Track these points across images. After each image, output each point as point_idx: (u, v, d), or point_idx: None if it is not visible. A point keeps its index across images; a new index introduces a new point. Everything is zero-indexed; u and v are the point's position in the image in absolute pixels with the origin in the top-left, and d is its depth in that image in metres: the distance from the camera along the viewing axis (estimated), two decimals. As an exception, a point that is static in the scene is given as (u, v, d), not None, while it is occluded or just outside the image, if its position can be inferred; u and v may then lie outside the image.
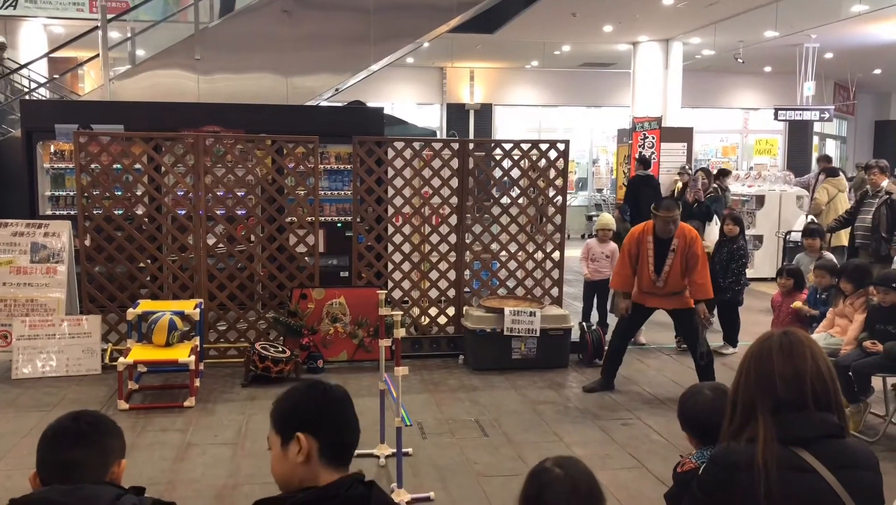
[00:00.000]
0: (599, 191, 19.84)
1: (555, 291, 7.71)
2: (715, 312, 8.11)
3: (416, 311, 7.59)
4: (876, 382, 5.52)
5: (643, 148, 14.51)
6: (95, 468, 1.97)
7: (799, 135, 20.92)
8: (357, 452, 1.94)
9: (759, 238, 11.85)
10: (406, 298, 7.64)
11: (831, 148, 24.11)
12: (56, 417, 2.08)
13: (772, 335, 2.04)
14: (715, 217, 9.16)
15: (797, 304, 6.38)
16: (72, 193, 8.57)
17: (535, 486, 2.00)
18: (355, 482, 1.82)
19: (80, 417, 2.05)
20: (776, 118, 16.42)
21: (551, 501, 1.97)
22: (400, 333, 4.43)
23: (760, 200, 12.07)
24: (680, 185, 13.98)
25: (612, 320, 8.24)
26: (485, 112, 19.72)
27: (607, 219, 8.34)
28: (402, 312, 6.32)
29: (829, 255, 7.21)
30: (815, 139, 22.17)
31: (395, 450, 4.42)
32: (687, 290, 6.24)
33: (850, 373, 5.26)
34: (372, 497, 1.81)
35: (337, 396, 1.89)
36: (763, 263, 11.75)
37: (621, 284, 6.45)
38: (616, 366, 6.52)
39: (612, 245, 8.07)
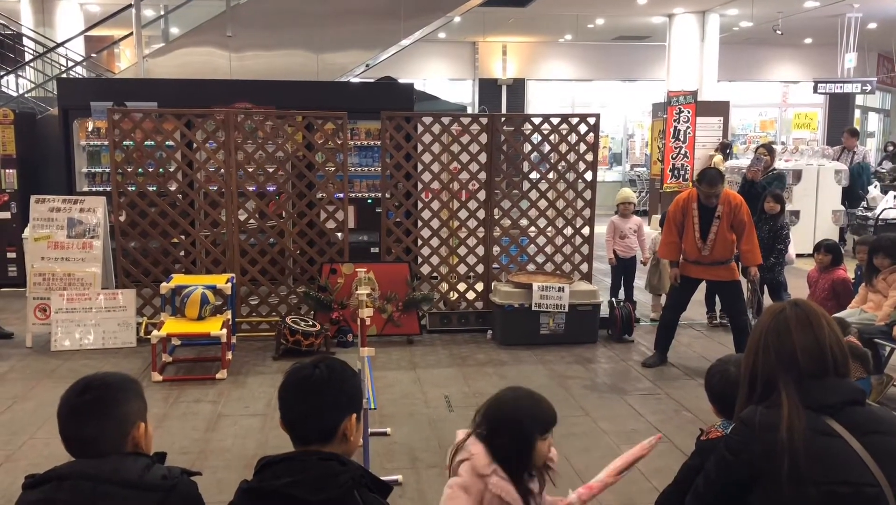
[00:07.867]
0: (634, 167, 19.56)
1: (584, 267, 7.68)
2: (765, 292, 7.92)
3: (444, 286, 7.61)
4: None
5: (678, 122, 14.27)
6: (112, 439, 1.94)
7: (840, 108, 20.39)
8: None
9: (797, 213, 11.63)
10: (435, 274, 7.67)
11: (874, 122, 23.50)
12: (69, 386, 2.02)
13: (783, 308, 2.01)
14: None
15: None
16: (107, 170, 8.73)
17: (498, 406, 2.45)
18: (293, 459, 2.01)
19: (88, 390, 1.97)
20: (815, 91, 16.01)
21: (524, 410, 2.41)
22: (366, 312, 4.25)
23: (798, 175, 11.83)
24: (719, 158, 13.73)
25: (638, 297, 8.20)
26: (517, 87, 19.54)
27: (627, 192, 8.14)
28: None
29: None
30: (857, 112, 21.62)
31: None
32: (731, 260, 6.24)
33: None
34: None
35: (289, 381, 2.04)
36: (804, 239, 11.51)
37: (668, 252, 6.45)
38: (668, 339, 6.55)
39: (636, 219, 7.99)
